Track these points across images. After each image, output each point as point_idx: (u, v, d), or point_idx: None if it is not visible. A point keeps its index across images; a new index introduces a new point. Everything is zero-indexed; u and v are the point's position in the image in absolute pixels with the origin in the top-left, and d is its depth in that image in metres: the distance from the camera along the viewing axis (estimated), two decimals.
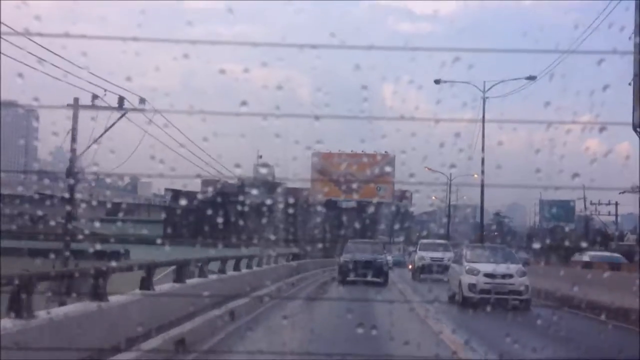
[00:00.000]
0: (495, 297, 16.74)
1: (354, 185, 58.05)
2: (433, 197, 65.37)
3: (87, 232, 20.68)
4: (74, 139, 24.96)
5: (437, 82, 34.27)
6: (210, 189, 46.24)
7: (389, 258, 31.03)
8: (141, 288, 10.26)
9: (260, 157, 44.35)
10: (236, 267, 17.04)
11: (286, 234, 41.02)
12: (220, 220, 32.00)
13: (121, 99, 24.42)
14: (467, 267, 17.72)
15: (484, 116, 35.37)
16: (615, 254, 28.73)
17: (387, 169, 58.04)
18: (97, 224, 27.26)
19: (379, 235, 51.73)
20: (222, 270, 15.41)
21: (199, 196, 41.58)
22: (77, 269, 10.65)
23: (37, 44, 15.22)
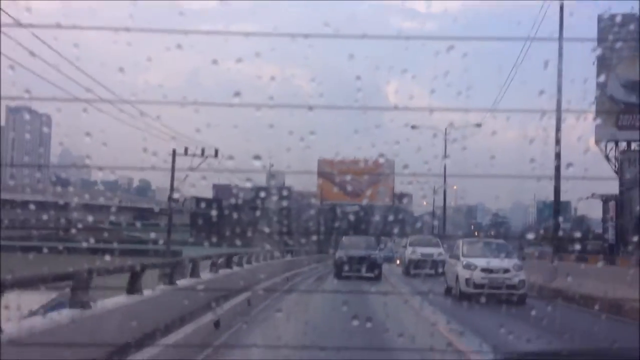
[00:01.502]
0: (492, 291, 16.23)
1: (357, 189, 59.76)
2: (424, 203, 66.40)
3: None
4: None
5: (413, 127, 35.16)
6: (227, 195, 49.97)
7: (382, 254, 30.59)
8: (191, 275, 12.19)
9: (272, 165, 46.06)
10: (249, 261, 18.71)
11: (296, 234, 43.36)
12: (236, 222, 35.42)
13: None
14: (464, 262, 17.20)
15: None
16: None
17: (387, 172, 59.56)
18: (138, 226, 30.39)
19: (380, 235, 52.31)
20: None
21: (223, 203, 45.27)
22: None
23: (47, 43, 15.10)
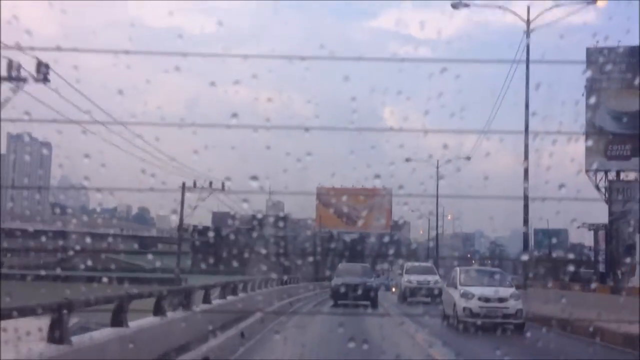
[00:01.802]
0: (489, 320, 16.17)
1: (355, 217, 60.28)
2: (420, 231, 66.96)
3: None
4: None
5: (407, 160, 37.13)
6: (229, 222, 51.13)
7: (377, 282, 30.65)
8: (204, 302, 13.10)
9: (271, 193, 46.82)
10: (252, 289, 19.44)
11: (294, 261, 43.95)
12: (236, 250, 36.37)
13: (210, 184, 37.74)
14: (461, 291, 17.11)
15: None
16: None
17: (384, 201, 60.53)
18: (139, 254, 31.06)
19: (377, 258, 52.68)
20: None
21: (223, 231, 46.34)
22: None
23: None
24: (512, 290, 17.36)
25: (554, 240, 63.07)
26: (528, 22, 24.92)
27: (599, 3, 24.54)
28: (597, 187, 45.19)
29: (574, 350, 13.66)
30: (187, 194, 37.57)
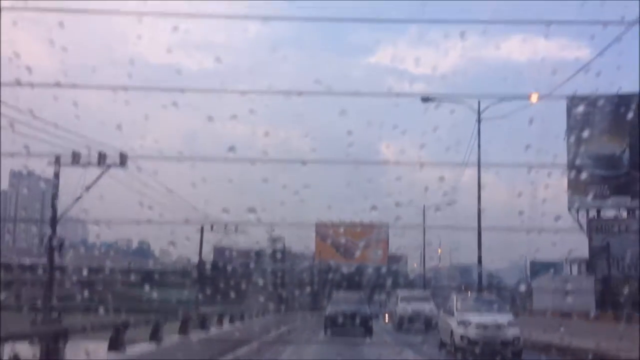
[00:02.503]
0: (486, 347, 15.85)
1: (352, 250, 60.50)
2: (415, 264, 67.01)
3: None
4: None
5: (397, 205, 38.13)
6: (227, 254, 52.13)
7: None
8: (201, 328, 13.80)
9: (273, 230, 48.40)
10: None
11: (291, 292, 44.66)
12: (238, 283, 37.57)
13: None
14: (458, 318, 16.70)
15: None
16: None
17: (382, 234, 60.78)
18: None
19: (374, 294, 52.67)
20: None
21: (226, 265, 47.47)
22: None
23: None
24: (509, 317, 16.94)
25: (552, 270, 63.74)
26: (479, 114, 27.68)
27: (532, 98, 27.07)
28: (580, 224, 46.81)
29: None
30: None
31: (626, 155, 45.37)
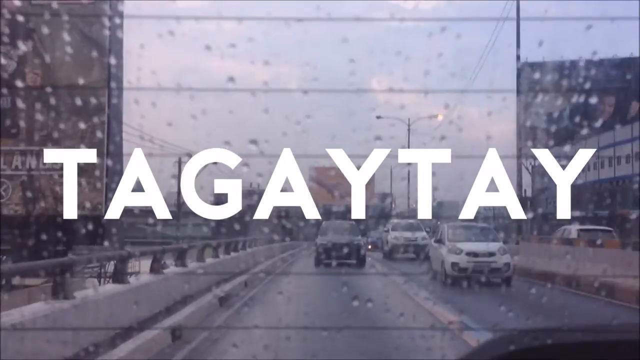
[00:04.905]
0: (478, 274, 14.78)
1: (344, 193, 60.97)
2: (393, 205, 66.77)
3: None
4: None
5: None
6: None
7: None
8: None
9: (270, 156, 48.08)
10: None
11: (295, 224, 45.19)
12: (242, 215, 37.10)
13: None
14: (449, 247, 15.73)
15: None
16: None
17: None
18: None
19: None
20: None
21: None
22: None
23: None
24: (499, 244, 15.92)
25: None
26: None
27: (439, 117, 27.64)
28: (527, 169, 50.91)
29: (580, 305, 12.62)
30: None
31: (566, 111, 50.79)
